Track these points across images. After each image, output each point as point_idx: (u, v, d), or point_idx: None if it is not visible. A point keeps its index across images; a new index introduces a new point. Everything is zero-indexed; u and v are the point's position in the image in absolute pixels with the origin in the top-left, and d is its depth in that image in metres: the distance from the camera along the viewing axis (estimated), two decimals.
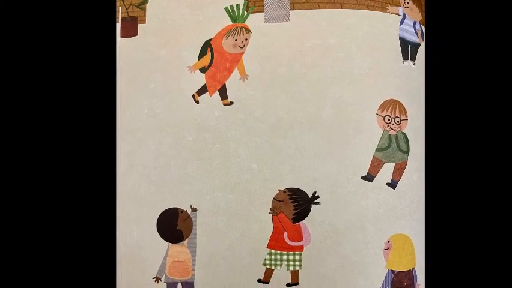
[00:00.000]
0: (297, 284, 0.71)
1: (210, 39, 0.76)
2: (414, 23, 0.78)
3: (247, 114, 0.73)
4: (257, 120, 0.73)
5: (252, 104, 0.74)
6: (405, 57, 0.75)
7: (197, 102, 0.75)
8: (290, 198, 0.71)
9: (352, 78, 0.73)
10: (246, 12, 0.75)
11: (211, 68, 0.75)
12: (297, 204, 0.71)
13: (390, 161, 0.73)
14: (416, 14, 0.78)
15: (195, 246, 0.73)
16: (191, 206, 0.73)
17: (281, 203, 0.71)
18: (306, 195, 0.71)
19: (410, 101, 0.75)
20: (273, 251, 0.71)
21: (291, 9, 0.75)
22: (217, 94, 0.75)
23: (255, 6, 0.75)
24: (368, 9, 0.75)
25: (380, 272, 0.71)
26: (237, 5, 0.76)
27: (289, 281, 0.71)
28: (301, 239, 0.71)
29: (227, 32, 0.75)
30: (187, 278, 0.72)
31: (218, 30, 0.76)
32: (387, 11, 0.76)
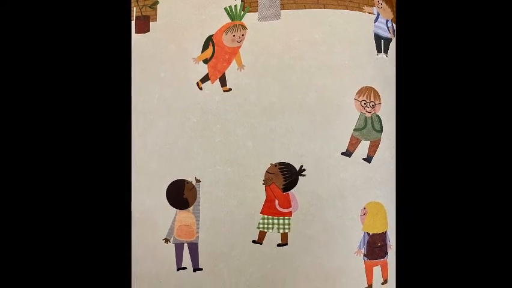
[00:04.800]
0: (286, 244, 0.74)
1: (212, 35, 0.78)
2: (387, 20, 0.79)
3: (244, 99, 0.76)
4: (252, 104, 0.75)
5: (248, 91, 0.76)
6: (379, 50, 0.78)
7: (201, 89, 0.77)
8: (280, 171, 0.74)
9: (333, 69, 0.75)
10: (242, 12, 0.77)
11: (213, 60, 0.78)
12: (286, 176, 0.74)
13: (366, 139, 0.76)
14: (388, 13, 0.80)
15: (199, 212, 0.75)
16: (195, 177, 0.76)
17: (273, 175, 0.74)
18: (294, 168, 0.74)
19: (383, 88, 0.77)
20: (265, 216, 0.74)
21: (281, 9, 0.76)
22: (217, 82, 0.77)
23: (250, 7, 0.77)
24: (347, 9, 0.77)
25: (357, 234, 0.74)
26: (235, 6, 0.77)
27: (280, 241, 0.74)
28: (290, 206, 0.74)
29: (226, 29, 0.78)
30: (192, 239, 0.75)
31: (218, 27, 0.78)
32: (364, 10, 0.78)
